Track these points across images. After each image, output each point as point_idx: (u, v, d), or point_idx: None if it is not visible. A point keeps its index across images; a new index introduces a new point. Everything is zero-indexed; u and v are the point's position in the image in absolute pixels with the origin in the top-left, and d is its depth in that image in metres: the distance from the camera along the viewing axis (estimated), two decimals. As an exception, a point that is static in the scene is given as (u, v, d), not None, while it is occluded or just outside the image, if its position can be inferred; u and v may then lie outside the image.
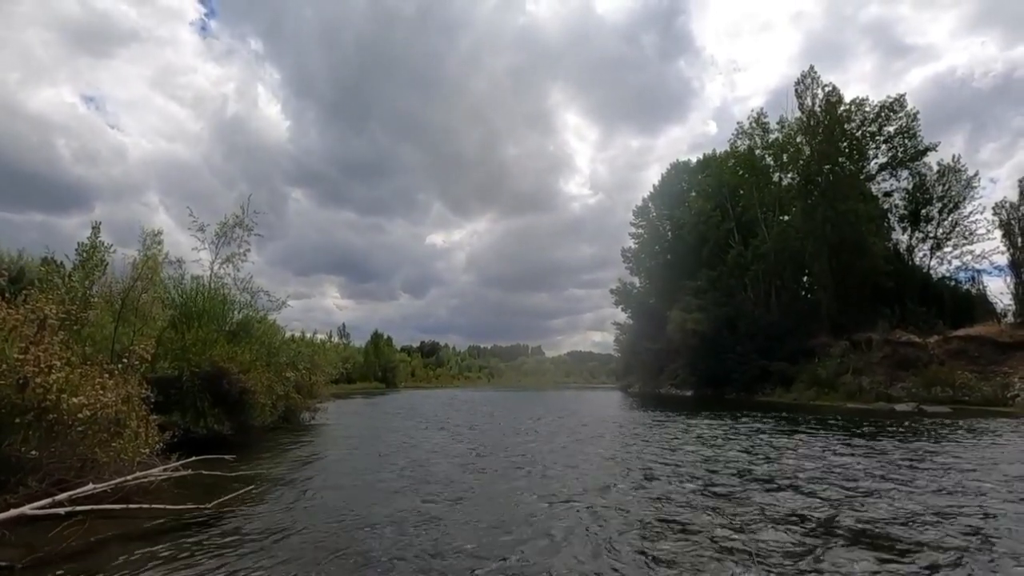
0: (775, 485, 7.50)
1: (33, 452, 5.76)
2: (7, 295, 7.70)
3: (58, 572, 4.40)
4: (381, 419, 22.02)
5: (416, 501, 6.83)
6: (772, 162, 40.73)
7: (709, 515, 5.97)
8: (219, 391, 11.71)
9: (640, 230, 56.66)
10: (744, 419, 17.26)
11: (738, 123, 43.26)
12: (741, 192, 42.80)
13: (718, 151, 50.41)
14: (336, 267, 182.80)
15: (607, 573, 4.42)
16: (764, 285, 38.54)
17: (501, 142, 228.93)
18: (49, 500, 5.05)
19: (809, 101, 35.74)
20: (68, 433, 6.17)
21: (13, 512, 4.66)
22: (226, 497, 6.61)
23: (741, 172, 42.09)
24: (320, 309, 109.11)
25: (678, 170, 55.33)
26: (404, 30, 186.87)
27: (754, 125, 41.12)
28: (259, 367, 13.20)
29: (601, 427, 16.27)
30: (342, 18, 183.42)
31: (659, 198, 55.20)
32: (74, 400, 6.15)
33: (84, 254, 14.69)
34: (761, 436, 12.91)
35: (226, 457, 8.36)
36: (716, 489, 7.25)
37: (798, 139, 37.40)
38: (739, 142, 42.67)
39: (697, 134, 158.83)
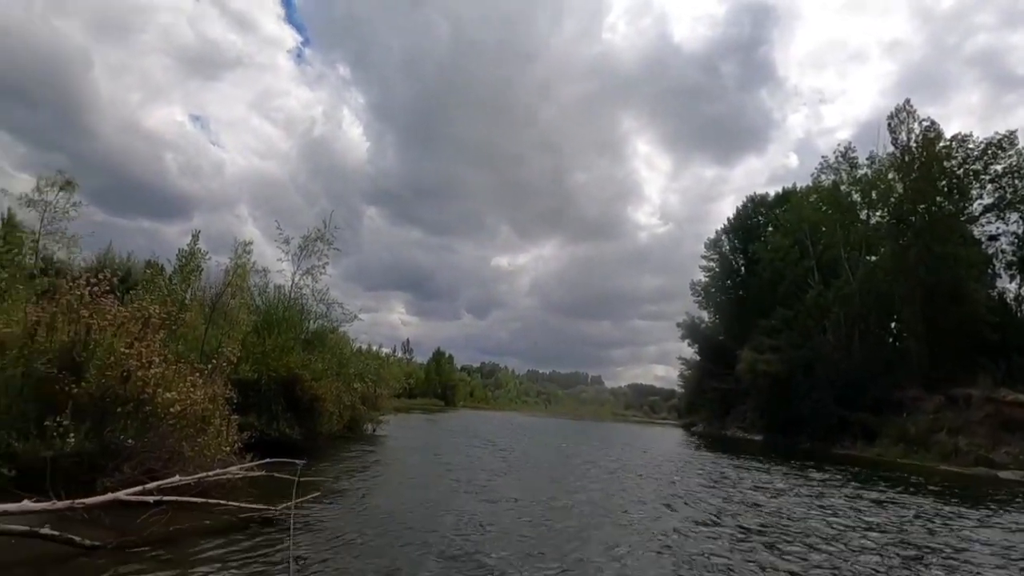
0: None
1: (129, 440, 6.18)
2: (117, 294, 8.42)
3: (143, 556, 4.65)
4: (441, 436, 22.21)
5: (463, 515, 6.76)
6: (859, 199, 38.36)
7: None
8: (292, 397, 12.21)
9: (711, 263, 54.72)
10: (829, 475, 15.96)
11: (823, 157, 41.02)
12: (823, 229, 40.45)
13: (799, 185, 48.04)
14: (403, 284, 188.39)
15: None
16: (846, 328, 35.99)
17: (569, 169, 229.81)
18: (140, 488, 5.38)
19: (904, 136, 33.50)
20: (160, 425, 6.60)
21: (109, 496, 4.99)
22: (296, 500, 6.80)
23: (824, 208, 39.86)
24: (386, 324, 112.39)
25: (755, 203, 53.26)
26: (482, 59, 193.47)
27: (840, 159, 38.95)
28: (330, 376, 13.67)
29: (670, 472, 15.60)
30: (425, 47, 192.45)
31: (733, 231, 53.23)
32: (168, 395, 6.59)
33: (183, 260, 15.98)
34: (859, 502, 10.64)
35: (296, 461, 8.62)
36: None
37: (890, 176, 35.05)
38: (823, 176, 40.46)
39: (776, 166, 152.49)
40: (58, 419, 5.59)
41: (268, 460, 8.01)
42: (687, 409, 60.64)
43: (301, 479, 8.16)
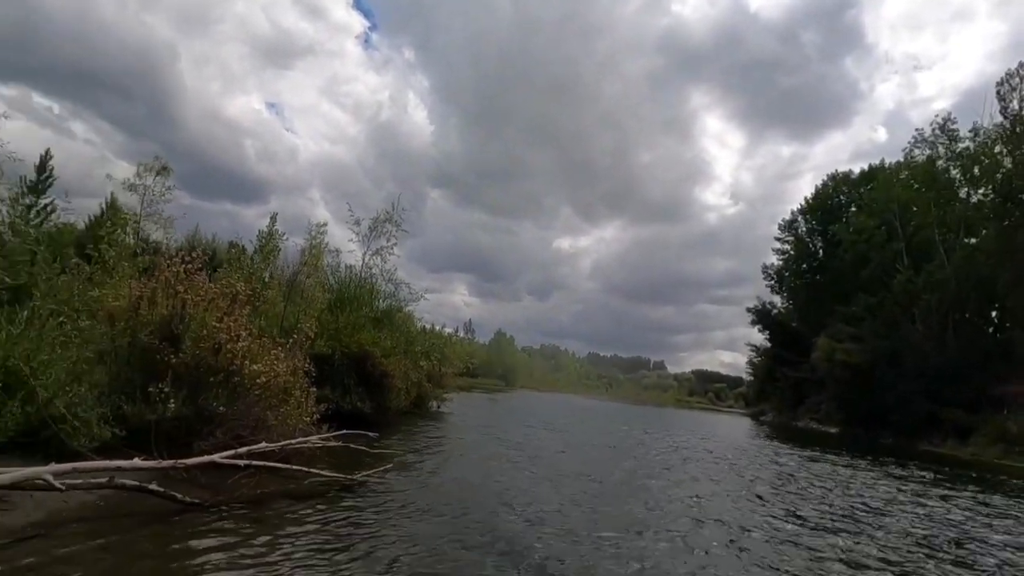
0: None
1: (221, 408, 6.65)
2: (205, 272, 9.00)
3: (234, 514, 5.02)
4: (503, 416, 22.57)
5: (527, 493, 6.82)
6: (959, 175, 35.03)
7: None
8: (363, 372, 12.72)
9: (786, 246, 51.84)
10: (925, 475, 14.96)
11: (917, 130, 37.55)
12: (915, 209, 37.23)
13: (888, 161, 44.50)
14: (466, 266, 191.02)
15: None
16: (938, 317, 33.21)
17: (634, 148, 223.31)
18: (233, 452, 5.80)
19: (1016, 104, 30.12)
20: (247, 395, 7.05)
21: (206, 458, 5.41)
22: (370, 470, 7.12)
23: (917, 186, 36.66)
24: (448, 305, 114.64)
25: (837, 181, 49.74)
26: (544, 36, 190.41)
27: (938, 132, 35.55)
28: (398, 353, 14.13)
29: (743, 464, 15.11)
30: (488, 27, 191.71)
31: (811, 212, 50.05)
32: (254, 367, 7.02)
33: (263, 240, 16.87)
34: (980, 510, 9.38)
35: (370, 434, 9.04)
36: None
37: (996, 149, 31.74)
38: (916, 151, 37.13)
39: (862, 142, 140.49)
40: (160, 386, 6.09)
41: (344, 431, 8.42)
42: (756, 397, 58.34)
43: (374, 450, 8.54)
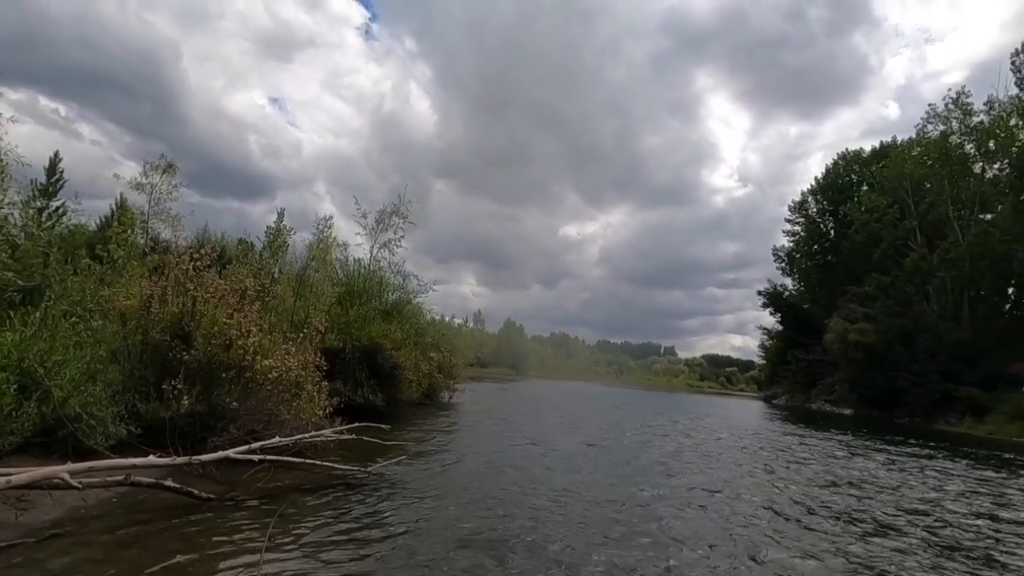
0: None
1: (233, 404, 6.70)
2: (216, 269, 9.04)
3: (249, 508, 5.06)
4: (514, 405, 22.62)
5: (541, 479, 6.83)
6: (974, 150, 34.34)
7: None
8: (374, 365, 12.77)
9: (796, 227, 51.23)
10: (945, 455, 14.85)
11: (929, 105, 36.74)
12: (928, 186, 36.57)
13: (899, 138, 43.71)
14: (473, 255, 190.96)
15: None
16: (953, 296, 32.76)
17: (639, 132, 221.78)
18: (247, 447, 5.84)
19: (1032, 75, 29.44)
20: (259, 390, 7.10)
21: (221, 453, 5.45)
22: (383, 462, 7.16)
23: (930, 162, 35.97)
24: (456, 295, 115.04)
25: (847, 160, 48.97)
26: (545, 21, 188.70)
27: (951, 106, 34.81)
28: (408, 346, 14.17)
29: (754, 443, 15.07)
30: (488, 12, 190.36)
31: (822, 191, 49.37)
32: (265, 362, 7.06)
33: (272, 236, 16.96)
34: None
35: (382, 426, 9.08)
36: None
37: (1012, 122, 31.05)
38: (929, 127, 36.36)
39: (872, 119, 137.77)
40: (173, 383, 6.14)
41: (356, 424, 8.47)
42: (768, 381, 58.04)
43: (387, 442, 8.59)
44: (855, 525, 6.22)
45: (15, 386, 5.01)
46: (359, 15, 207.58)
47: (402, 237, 16.70)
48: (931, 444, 16.51)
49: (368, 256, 16.45)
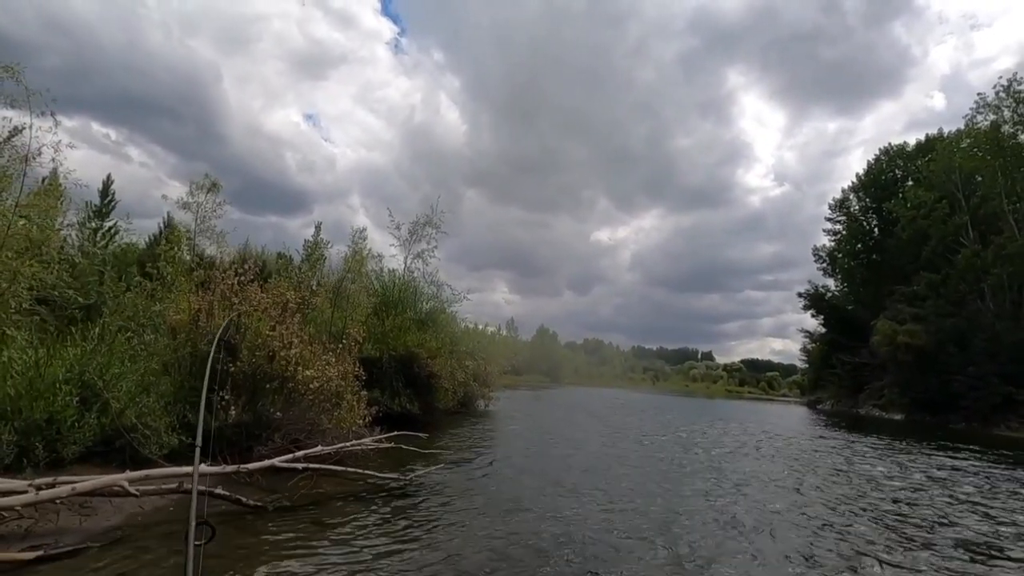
0: None
1: (277, 413, 6.90)
2: (257, 283, 9.35)
3: (295, 516, 5.19)
4: (550, 412, 22.52)
5: (578, 487, 6.77)
6: (1028, 140, 32.63)
7: None
8: (410, 374, 12.95)
9: (838, 226, 49.57)
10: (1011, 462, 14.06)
11: (978, 94, 35.06)
12: (979, 179, 34.87)
13: (946, 130, 41.93)
14: (505, 263, 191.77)
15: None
16: (1011, 294, 31.07)
17: (670, 134, 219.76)
18: (291, 456, 6.01)
19: (1089, 59, 27.81)
20: (301, 400, 7.30)
21: (267, 462, 5.63)
22: (421, 470, 7.24)
23: (981, 154, 34.33)
24: (489, 303, 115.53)
25: (890, 155, 47.20)
26: (573, 26, 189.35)
27: (1002, 94, 33.17)
28: (443, 354, 14.31)
29: (812, 458, 14.59)
30: (515, 21, 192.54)
31: (864, 188, 47.68)
32: (307, 372, 7.25)
33: (309, 250, 17.43)
34: None
35: (420, 435, 9.20)
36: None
37: (1069, 108, 29.43)
38: (979, 117, 34.66)
39: (916, 111, 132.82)
40: (221, 394, 6.37)
41: (395, 433, 8.59)
42: (811, 385, 56.12)
43: (425, 451, 8.69)
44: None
45: (77, 398, 5.30)
46: (389, 30, 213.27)
47: (435, 247, 16.91)
48: (995, 451, 15.66)
49: (402, 267, 16.73)
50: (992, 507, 7.71)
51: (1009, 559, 5.34)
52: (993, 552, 5.53)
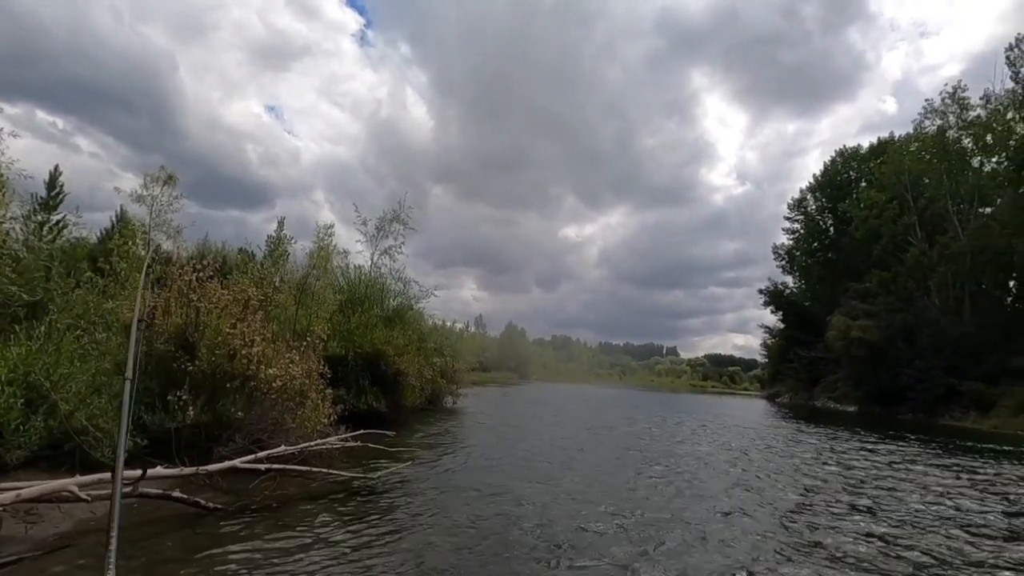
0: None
1: (239, 413, 6.71)
2: (217, 279, 9.06)
3: (257, 518, 5.07)
4: (517, 408, 22.61)
5: (544, 480, 6.83)
6: (972, 144, 34.40)
7: None
8: (377, 371, 12.78)
9: (796, 224, 51.40)
10: (958, 452, 14.80)
11: (926, 100, 36.84)
12: (926, 181, 36.62)
13: (897, 134, 43.92)
14: (473, 260, 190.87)
15: None
16: (955, 290, 32.78)
17: (636, 133, 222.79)
18: (253, 456, 5.86)
19: (1027, 69, 29.50)
20: (264, 399, 7.11)
21: (227, 464, 5.47)
22: (388, 468, 7.17)
23: (928, 157, 36.05)
24: (457, 300, 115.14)
25: (845, 157, 49.10)
26: (541, 24, 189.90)
27: (948, 101, 34.88)
28: (411, 351, 14.18)
29: (771, 445, 15.04)
30: (483, 16, 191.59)
31: (820, 189, 49.49)
32: (269, 371, 7.07)
33: (272, 245, 17.01)
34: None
35: (387, 433, 9.10)
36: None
37: (1008, 116, 31.12)
38: (927, 122, 36.38)
39: (870, 114, 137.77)
40: (178, 394, 6.16)
41: (361, 431, 8.48)
42: (771, 379, 58.00)
43: (391, 449, 8.60)
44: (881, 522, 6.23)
45: (21, 400, 5.04)
46: (354, 22, 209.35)
47: (403, 243, 16.76)
48: (938, 440, 16.48)
49: (369, 263, 16.51)
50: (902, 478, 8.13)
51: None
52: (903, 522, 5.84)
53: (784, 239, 52.80)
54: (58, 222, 17.26)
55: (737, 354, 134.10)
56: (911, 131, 38.88)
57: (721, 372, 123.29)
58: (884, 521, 6.31)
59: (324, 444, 7.15)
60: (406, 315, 16.22)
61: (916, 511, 6.88)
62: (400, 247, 16.72)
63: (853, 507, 6.95)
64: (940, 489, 8.42)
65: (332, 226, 15.18)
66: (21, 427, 4.93)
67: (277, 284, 13.53)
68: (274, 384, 7.05)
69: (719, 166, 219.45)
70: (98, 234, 19.84)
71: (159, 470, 4.74)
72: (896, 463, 10.99)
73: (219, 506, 5.06)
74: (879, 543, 5.43)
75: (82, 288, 9.34)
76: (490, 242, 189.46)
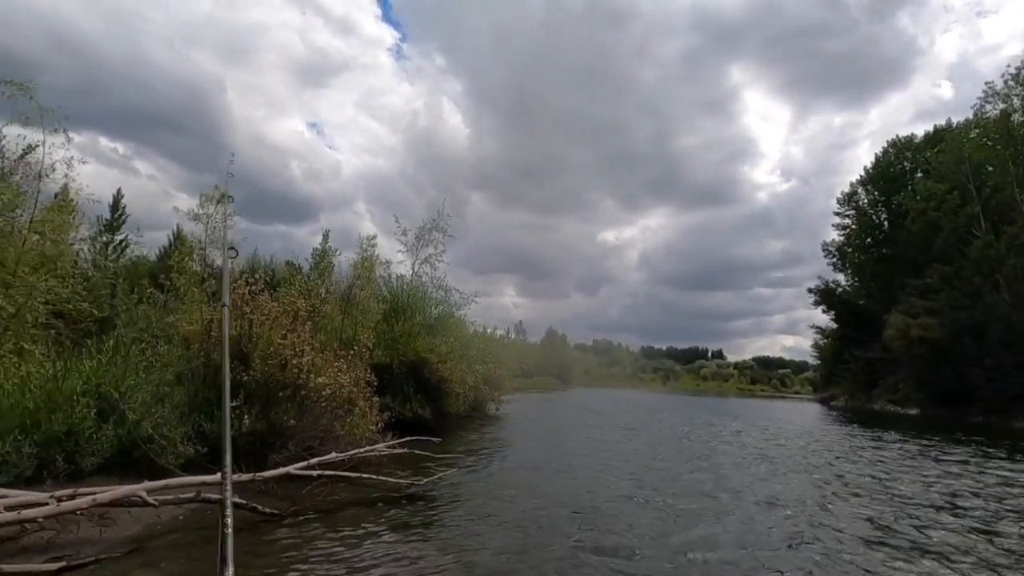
0: None
1: (291, 421, 6.94)
2: (267, 292, 9.41)
3: (312, 523, 5.21)
4: (561, 415, 22.48)
5: (592, 487, 6.74)
6: (1040, 127, 32.21)
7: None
8: (421, 379, 12.98)
9: (847, 220, 49.13)
10: None
11: (987, 83, 34.54)
12: (990, 168, 34.44)
13: (955, 120, 41.48)
14: (512, 266, 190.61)
15: None
16: (1026, 283, 30.67)
17: (674, 132, 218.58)
18: (306, 463, 6.05)
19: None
20: (314, 408, 7.33)
21: (282, 470, 5.67)
22: (435, 475, 7.25)
23: (991, 143, 33.94)
24: (498, 307, 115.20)
25: (898, 147, 46.76)
26: (573, 27, 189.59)
27: (1011, 83, 32.75)
28: (453, 359, 14.32)
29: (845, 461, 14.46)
30: (515, 23, 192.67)
31: (872, 182, 47.24)
32: (319, 380, 7.29)
33: (318, 258, 17.54)
34: None
35: (433, 439, 9.20)
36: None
37: (1080, 95, 29.06)
38: (988, 106, 34.16)
39: (923, 101, 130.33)
40: (234, 403, 6.41)
41: (407, 438, 8.61)
42: (824, 382, 55.61)
43: (438, 455, 8.70)
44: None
45: (94, 410, 5.36)
46: (390, 36, 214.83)
47: (443, 252, 16.96)
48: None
49: (410, 272, 16.79)
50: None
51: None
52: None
53: (834, 235, 50.62)
54: (121, 242, 18.35)
55: (787, 356, 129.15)
56: (970, 116, 36.68)
57: (770, 375, 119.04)
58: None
59: (372, 451, 7.30)
60: (448, 322, 16.39)
61: None
62: (440, 255, 16.92)
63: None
64: None
65: (375, 237, 15.56)
66: (94, 435, 5.25)
67: (323, 295, 13.92)
68: (324, 392, 7.25)
69: (762, 163, 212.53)
70: (157, 252, 20.96)
71: (219, 476, 4.94)
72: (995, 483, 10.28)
73: (275, 511, 5.22)
74: None
75: (144, 303, 9.88)
76: (528, 248, 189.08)
